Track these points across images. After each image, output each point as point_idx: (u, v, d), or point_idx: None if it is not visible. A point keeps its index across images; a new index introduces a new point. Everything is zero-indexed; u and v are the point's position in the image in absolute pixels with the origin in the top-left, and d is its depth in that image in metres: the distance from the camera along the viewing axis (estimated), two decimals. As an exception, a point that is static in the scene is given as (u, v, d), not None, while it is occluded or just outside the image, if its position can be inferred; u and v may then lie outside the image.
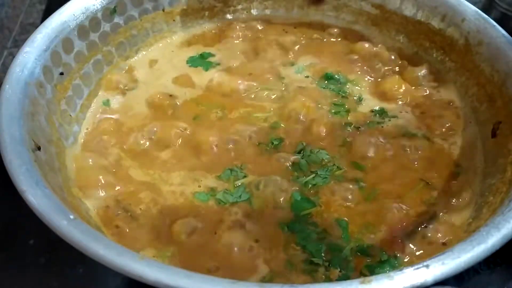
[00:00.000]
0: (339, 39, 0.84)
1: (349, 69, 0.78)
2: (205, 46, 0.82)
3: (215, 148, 0.64)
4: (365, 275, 0.45)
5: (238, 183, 0.60)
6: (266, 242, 0.54)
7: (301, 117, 0.69)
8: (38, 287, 0.60)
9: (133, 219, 0.56)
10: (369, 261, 0.53)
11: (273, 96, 0.73)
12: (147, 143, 0.65)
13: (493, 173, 0.60)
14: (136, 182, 0.61)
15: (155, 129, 0.67)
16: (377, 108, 0.72)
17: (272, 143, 0.65)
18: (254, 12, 0.88)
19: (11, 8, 1.08)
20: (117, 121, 0.69)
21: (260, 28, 0.86)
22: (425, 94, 0.74)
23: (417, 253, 0.54)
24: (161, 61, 0.79)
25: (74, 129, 0.66)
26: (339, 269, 0.52)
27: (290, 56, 0.80)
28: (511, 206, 0.48)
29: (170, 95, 0.72)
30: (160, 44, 0.82)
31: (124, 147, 0.65)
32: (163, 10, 0.80)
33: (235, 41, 0.83)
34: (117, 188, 0.60)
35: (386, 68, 0.78)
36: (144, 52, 0.80)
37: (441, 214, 0.58)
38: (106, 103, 0.71)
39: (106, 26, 0.73)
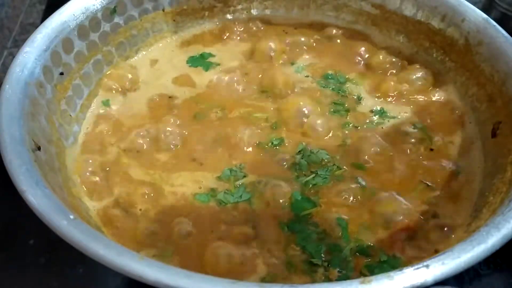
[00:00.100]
0: (339, 39, 0.84)
1: (349, 69, 0.78)
2: (205, 46, 0.82)
3: (215, 148, 0.64)
4: (365, 275, 0.45)
5: (239, 183, 0.60)
6: (266, 242, 0.54)
7: (302, 117, 0.69)
8: (38, 287, 0.60)
9: (133, 219, 0.57)
10: (369, 261, 0.53)
11: (273, 96, 0.73)
12: (147, 143, 0.65)
13: (493, 173, 0.60)
14: (136, 182, 0.61)
15: (155, 129, 0.67)
16: (376, 108, 0.72)
17: (272, 143, 0.65)
18: (254, 12, 0.88)
19: (11, 8, 1.08)
20: (117, 121, 0.69)
21: (260, 28, 0.86)
22: (424, 94, 0.74)
23: (417, 253, 0.54)
24: (161, 61, 0.79)
25: (74, 129, 0.66)
26: (338, 269, 0.52)
27: (290, 56, 0.80)
28: (511, 206, 0.48)
29: (170, 95, 0.72)
30: (160, 44, 0.82)
31: (124, 147, 0.65)
32: (163, 10, 0.80)
33: (235, 41, 0.83)
34: (117, 188, 0.60)
35: (385, 68, 0.78)
36: (144, 52, 0.80)
37: (441, 214, 0.58)
38: (106, 103, 0.71)
39: (106, 26, 0.73)
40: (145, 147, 0.65)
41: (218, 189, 0.60)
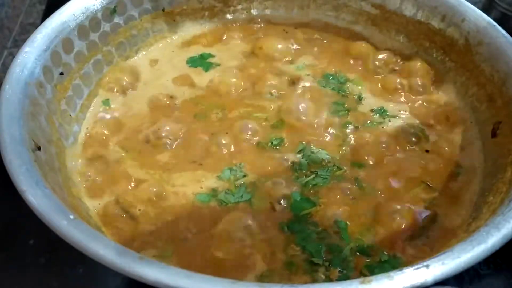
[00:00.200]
0: (339, 39, 0.84)
1: (349, 69, 0.78)
2: (205, 46, 0.82)
3: (215, 148, 0.64)
4: (365, 275, 0.45)
5: (239, 183, 0.60)
6: (266, 242, 0.54)
7: (302, 117, 0.69)
8: (38, 287, 0.60)
9: (133, 219, 0.57)
10: (369, 261, 0.53)
11: (273, 96, 0.73)
12: (147, 143, 0.65)
13: (493, 173, 0.60)
14: (136, 182, 0.61)
15: (155, 129, 0.67)
16: (377, 107, 0.72)
17: (272, 143, 0.65)
18: (254, 12, 0.88)
19: (11, 8, 1.08)
20: (117, 121, 0.69)
21: (260, 28, 0.86)
22: (424, 94, 0.74)
23: (417, 253, 0.54)
24: (161, 61, 0.79)
25: (74, 129, 0.66)
26: (339, 269, 0.52)
27: (290, 56, 0.80)
28: (511, 206, 0.48)
29: (170, 96, 0.72)
30: (160, 44, 0.82)
31: (124, 147, 0.65)
32: (163, 10, 0.80)
33: (235, 42, 0.83)
34: (117, 188, 0.60)
35: (385, 68, 0.78)
36: (144, 52, 0.80)
37: (441, 214, 0.58)
38: (106, 103, 0.71)
39: (106, 26, 0.73)
40: (145, 147, 0.65)
41: (219, 189, 0.60)
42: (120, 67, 0.76)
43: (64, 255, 0.59)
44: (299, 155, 0.64)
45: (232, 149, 0.64)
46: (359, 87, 0.75)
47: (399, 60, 0.79)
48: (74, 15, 0.67)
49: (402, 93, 0.74)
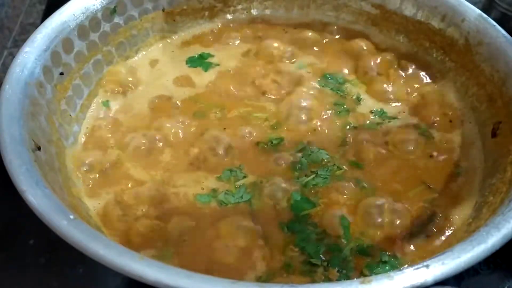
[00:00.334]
0: (339, 39, 0.84)
1: (349, 69, 0.78)
2: (205, 46, 0.82)
3: (214, 149, 0.64)
4: (365, 275, 0.45)
5: (239, 183, 0.60)
6: (266, 242, 0.54)
7: (302, 117, 0.69)
8: (38, 287, 0.60)
9: (133, 219, 0.56)
10: (369, 261, 0.53)
11: (273, 97, 0.73)
12: (147, 143, 0.65)
13: (493, 173, 0.60)
14: (136, 182, 0.61)
15: (155, 129, 0.67)
16: (376, 109, 0.72)
17: (272, 143, 0.65)
18: (254, 12, 0.88)
19: (11, 8, 1.08)
20: (117, 121, 0.69)
21: (260, 28, 0.86)
22: (424, 94, 0.74)
23: (417, 253, 0.54)
24: (161, 61, 0.79)
25: (74, 129, 0.66)
26: (338, 269, 0.52)
27: (290, 56, 0.80)
28: (511, 206, 0.48)
29: (170, 96, 0.72)
30: (160, 44, 0.82)
31: (124, 147, 0.65)
32: (163, 10, 0.80)
33: (235, 41, 0.83)
34: (117, 188, 0.60)
35: (385, 68, 0.78)
36: (144, 52, 0.80)
37: (441, 214, 0.58)
38: (106, 103, 0.71)
39: (106, 26, 0.73)
40: (145, 147, 0.65)
41: (219, 189, 0.60)
42: (120, 67, 0.76)
43: (64, 255, 0.59)
44: (299, 154, 0.64)
45: (232, 149, 0.64)
46: (358, 88, 0.75)
47: (399, 60, 0.79)
48: (74, 15, 0.67)
49: (401, 93, 0.74)
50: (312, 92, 0.73)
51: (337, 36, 0.85)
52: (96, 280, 0.61)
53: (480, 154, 0.65)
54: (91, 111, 0.70)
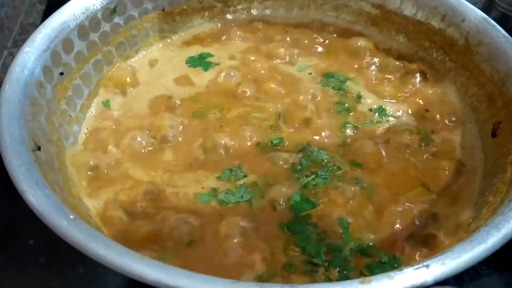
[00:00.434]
0: (339, 39, 0.84)
1: (349, 68, 0.78)
2: (204, 46, 0.82)
3: (214, 148, 0.64)
4: (365, 275, 0.45)
5: (240, 183, 0.60)
6: (266, 242, 0.54)
7: (301, 117, 0.68)
8: (38, 287, 0.60)
9: (133, 219, 0.56)
10: (369, 261, 0.53)
11: (272, 96, 0.73)
12: (147, 143, 0.65)
13: (493, 173, 0.60)
14: (136, 182, 0.61)
15: (155, 129, 0.67)
16: (376, 107, 0.72)
17: (272, 143, 0.65)
18: (254, 12, 0.88)
19: (11, 8, 1.08)
20: (117, 121, 0.69)
21: (260, 28, 0.86)
22: (424, 94, 0.74)
23: (417, 253, 0.54)
24: (161, 61, 0.79)
25: (74, 129, 0.66)
26: (339, 269, 0.52)
27: (290, 56, 0.80)
28: (511, 206, 0.48)
29: (170, 96, 0.72)
30: (160, 44, 0.82)
31: (124, 147, 0.65)
32: (163, 10, 0.80)
33: (235, 41, 0.83)
34: (117, 188, 0.60)
35: (385, 67, 0.78)
36: (144, 52, 0.80)
37: (441, 214, 0.58)
38: (106, 103, 0.71)
39: (106, 26, 0.73)
40: (145, 147, 0.65)
41: (220, 189, 0.60)
42: (120, 67, 0.76)
43: (64, 255, 0.59)
44: (299, 154, 0.64)
45: (232, 149, 0.64)
46: (359, 86, 0.75)
47: (399, 60, 0.79)
48: (74, 15, 0.67)
49: (401, 92, 0.74)
50: (312, 92, 0.73)
51: (337, 36, 0.85)
52: (96, 280, 0.61)
53: (480, 154, 0.65)
54: (91, 111, 0.70)
